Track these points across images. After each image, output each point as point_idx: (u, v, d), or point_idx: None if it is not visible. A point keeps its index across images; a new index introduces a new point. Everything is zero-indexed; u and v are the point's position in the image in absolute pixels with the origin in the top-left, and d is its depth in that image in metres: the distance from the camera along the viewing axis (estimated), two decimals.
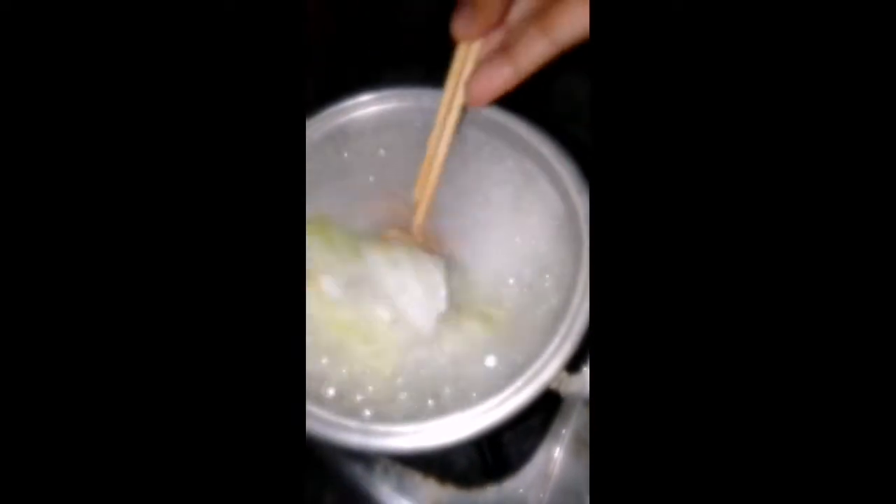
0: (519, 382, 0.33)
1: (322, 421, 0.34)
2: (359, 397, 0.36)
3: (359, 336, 0.37)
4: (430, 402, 0.36)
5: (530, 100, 0.65)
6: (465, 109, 0.40)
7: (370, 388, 0.36)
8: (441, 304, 0.37)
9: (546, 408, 0.43)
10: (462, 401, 0.35)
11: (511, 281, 0.39)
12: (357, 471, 0.44)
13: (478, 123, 0.43)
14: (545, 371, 0.34)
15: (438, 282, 0.37)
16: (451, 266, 0.39)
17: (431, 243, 0.41)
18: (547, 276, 0.39)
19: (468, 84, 0.35)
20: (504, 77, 0.34)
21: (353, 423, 0.33)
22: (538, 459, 0.43)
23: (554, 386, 0.34)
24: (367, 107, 0.44)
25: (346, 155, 0.44)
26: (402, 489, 0.43)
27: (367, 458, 0.43)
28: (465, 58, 0.37)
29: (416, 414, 0.35)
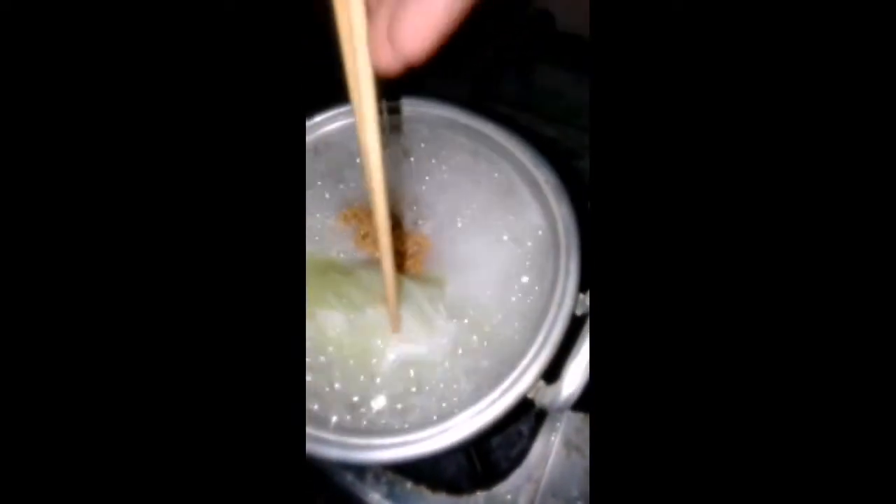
0: (495, 394, 0.34)
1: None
2: (339, 411, 0.37)
3: (347, 352, 0.38)
4: (408, 413, 0.36)
5: (519, 99, 0.65)
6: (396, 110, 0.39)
7: (350, 400, 0.37)
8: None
9: (532, 413, 0.44)
10: (439, 412, 0.35)
11: (489, 291, 0.39)
12: (349, 478, 0.45)
13: (458, 129, 0.43)
14: (521, 381, 0.34)
15: (445, 344, 0.38)
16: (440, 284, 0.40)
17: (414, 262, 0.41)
18: (525, 285, 0.39)
19: (389, 31, 0.23)
20: (436, 11, 0.22)
21: (331, 437, 0.34)
22: (527, 464, 0.43)
23: (531, 395, 0.34)
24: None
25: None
26: (393, 496, 0.44)
27: (358, 466, 0.44)
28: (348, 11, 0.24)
29: (393, 426, 0.36)
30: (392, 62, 0.23)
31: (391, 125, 0.44)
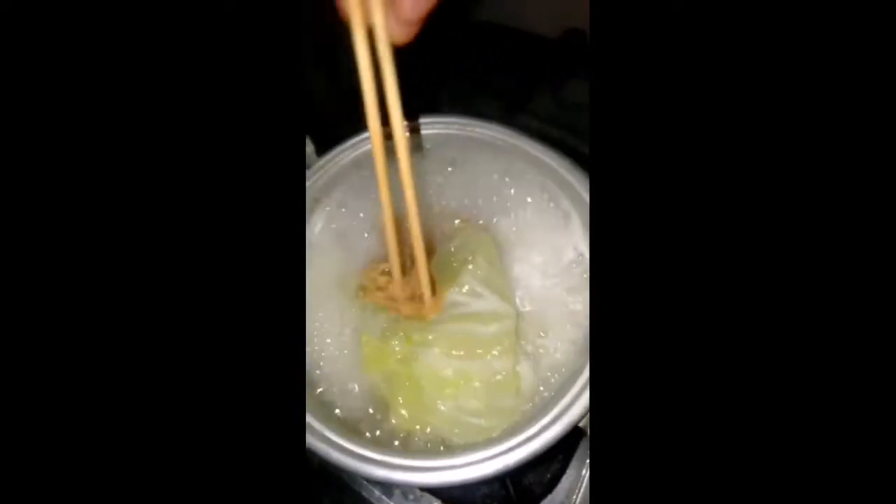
0: (546, 420, 0.33)
1: (345, 451, 0.33)
2: (386, 427, 0.36)
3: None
4: (454, 435, 0.35)
5: (550, 116, 0.65)
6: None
7: (398, 419, 0.36)
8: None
9: (570, 441, 0.43)
10: (490, 438, 0.34)
11: (537, 309, 0.39)
12: (376, 493, 0.44)
13: (512, 153, 0.43)
14: (572, 409, 0.33)
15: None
16: None
17: None
18: (580, 309, 0.38)
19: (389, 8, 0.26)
20: None
21: (378, 456, 0.33)
22: (560, 490, 0.42)
23: (582, 424, 0.34)
24: None
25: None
26: None
27: (386, 483, 0.43)
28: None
29: (442, 448, 0.35)
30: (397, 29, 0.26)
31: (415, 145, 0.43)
